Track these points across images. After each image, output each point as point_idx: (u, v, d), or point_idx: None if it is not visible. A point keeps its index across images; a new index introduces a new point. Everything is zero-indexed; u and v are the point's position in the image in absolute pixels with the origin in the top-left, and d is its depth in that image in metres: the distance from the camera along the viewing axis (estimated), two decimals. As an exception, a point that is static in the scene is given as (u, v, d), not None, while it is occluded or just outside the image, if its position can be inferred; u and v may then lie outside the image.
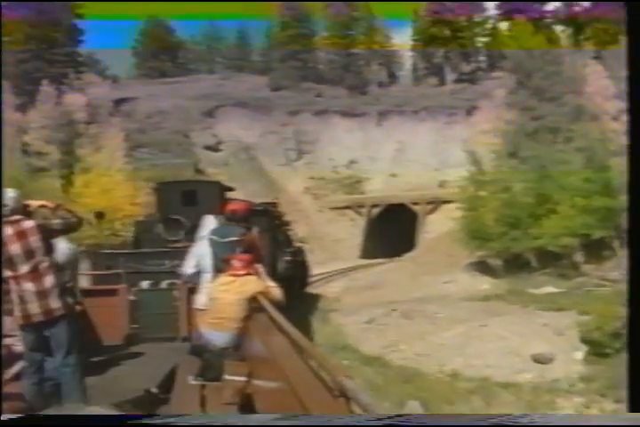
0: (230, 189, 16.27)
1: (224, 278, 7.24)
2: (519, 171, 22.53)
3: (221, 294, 7.06)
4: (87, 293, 9.20)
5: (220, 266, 7.69)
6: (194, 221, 11.15)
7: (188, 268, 8.36)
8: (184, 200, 14.05)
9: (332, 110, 48.80)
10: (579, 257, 20.09)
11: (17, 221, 5.38)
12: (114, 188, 26.29)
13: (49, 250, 5.57)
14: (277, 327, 5.54)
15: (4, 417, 4.84)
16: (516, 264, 21.50)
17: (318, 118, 48.12)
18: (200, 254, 8.28)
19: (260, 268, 7.88)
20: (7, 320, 5.80)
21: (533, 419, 3.45)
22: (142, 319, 10.29)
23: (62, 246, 7.29)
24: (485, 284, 20.65)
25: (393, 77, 61.24)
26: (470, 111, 44.75)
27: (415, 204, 40.47)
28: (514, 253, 21.71)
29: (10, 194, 5.50)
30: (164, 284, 11.25)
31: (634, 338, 5.33)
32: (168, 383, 6.94)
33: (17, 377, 5.94)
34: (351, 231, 40.07)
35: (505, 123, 26.33)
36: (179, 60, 63.26)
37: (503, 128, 26.16)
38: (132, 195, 26.91)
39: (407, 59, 62.01)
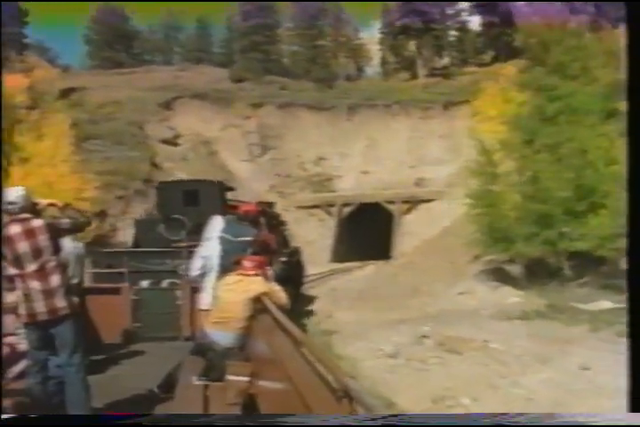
0: (231, 189, 16.75)
1: (231, 278, 7.36)
2: (541, 160, 19.37)
3: (227, 294, 7.18)
4: (89, 291, 9.38)
5: (228, 264, 7.83)
6: (195, 221, 11.94)
7: (195, 270, 8.57)
8: (185, 200, 14.11)
9: (298, 104, 45.66)
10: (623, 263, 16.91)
11: (26, 220, 5.48)
12: (57, 180, 22.98)
13: (56, 249, 5.64)
14: (281, 328, 5.46)
15: (7, 417, 4.94)
16: (541, 271, 18.25)
17: (283, 112, 44.98)
18: (207, 256, 8.44)
19: (268, 270, 8.01)
20: (10, 319, 6.00)
21: (529, 418, 3.61)
22: (144, 318, 10.40)
23: (68, 244, 7.53)
24: (512, 296, 17.28)
25: (361, 71, 58.73)
26: (447, 106, 42.22)
27: (390, 203, 37.49)
28: (537, 257, 18.45)
29: (19, 192, 5.54)
30: (165, 283, 11.43)
31: (634, 338, 5.22)
32: (169, 383, 6.93)
33: (20, 375, 6.03)
34: (321, 232, 36.91)
35: (517, 106, 23.21)
36: (134, 50, 59.59)
37: (514, 112, 22.75)
38: (79, 188, 23.74)
39: (376, 52, 59.36)
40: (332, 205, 37.91)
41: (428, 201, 36.71)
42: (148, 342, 9.75)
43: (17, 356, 6.17)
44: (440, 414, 7.08)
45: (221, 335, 7.05)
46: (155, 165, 34.47)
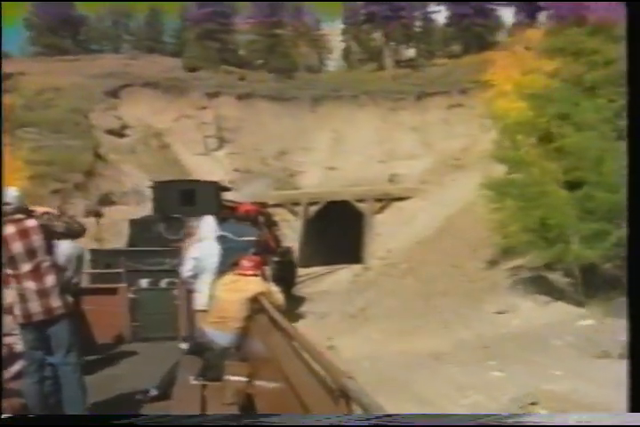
0: (227, 189, 17.21)
1: (229, 277, 7.51)
2: (588, 138, 15.75)
3: (224, 293, 7.32)
4: (87, 291, 9.60)
5: (228, 264, 7.90)
6: (192, 221, 11.36)
7: (186, 271, 8.64)
8: (182, 199, 14.28)
9: (258, 94, 42.18)
10: None
11: (20, 220, 5.57)
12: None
13: (50, 249, 5.72)
14: (278, 328, 5.46)
15: (4, 417, 5.08)
16: (593, 281, 14.58)
17: (242, 103, 41.49)
18: (198, 257, 8.48)
19: (266, 271, 8.41)
20: (7, 319, 5.88)
21: (529, 420, 3.73)
22: (142, 318, 10.56)
23: (66, 245, 7.80)
24: (578, 317, 13.14)
25: (324, 62, 55.47)
26: (420, 97, 39.18)
27: (360, 201, 34.14)
28: (589, 263, 14.80)
29: (13, 193, 5.65)
30: (163, 283, 11.40)
31: (634, 338, 5.17)
32: (167, 383, 6.91)
33: (17, 376, 5.99)
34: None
35: (544, 76, 19.63)
36: (80, 37, 55.33)
37: (541, 84, 18.96)
38: (7, 177, 20.01)
39: (338, 43, 56.11)
40: (296, 204, 34.32)
41: (403, 199, 33.54)
42: (145, 342, 9.83)
43: (14, 356, 6.09)
44: (434, 414, 6.55)
45: (219, 335, 7.09)
46: (99, 157, 30.68)
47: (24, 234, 5.48)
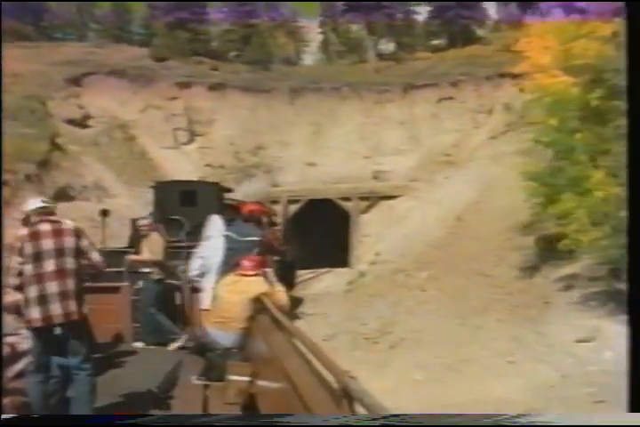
0: (229, 190, 17.15)
1: (230, 278, 7.58)
2: None
3: (227, 294, 7.33)
4: (89, 290, 8.04)
5: (232, 263, 7.91)
6: (192, 222, 12.65)
7: (193, 269, 8.79)
8: (182, 200, 14.29)
9: (232, 85, 39.25)
10: None
11: (57, 222, 5.79)
12: None
13: (78, 254, 5.78)
14: (280, 327, 5.52)
15: (4, 417, 4.97)
16: None
17: (214, 93, 38.52)
18: (205, 256, 8.63)
19: (269, 271, 8.22)
20: (9, 318, 6.12)
21: (531, 420, 3.29)
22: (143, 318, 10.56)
23: None
24: None
25: (301, 55, 52.75)
26: (407, 89, 36.62)
27: (345, 200, 31.40)
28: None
29: (45, 200, 6.06)
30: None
31: (634, 338, 5.22)
32: (168, 383, 6.96)
33: (20, 375, 5.98)
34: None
35: (596, 44, 16.60)
36: (43, 24, 51.97)
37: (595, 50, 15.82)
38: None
39: (317, 36, 53.51)
40: (275, 202, 31.44)
41: (391, 197, 30.88)
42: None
43: (17, 355, 6.05)
44: (441, 415, 5.66)
45: (222, 335, 7.13)
46: (56, 147, 27.56)
47: (58, 233, 5.61)
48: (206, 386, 6.60)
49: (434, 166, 31.75)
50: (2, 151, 20.13)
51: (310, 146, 35.83)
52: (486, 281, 16.98)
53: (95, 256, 5.87)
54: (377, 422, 3.14)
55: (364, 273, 24.60)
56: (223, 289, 7.39)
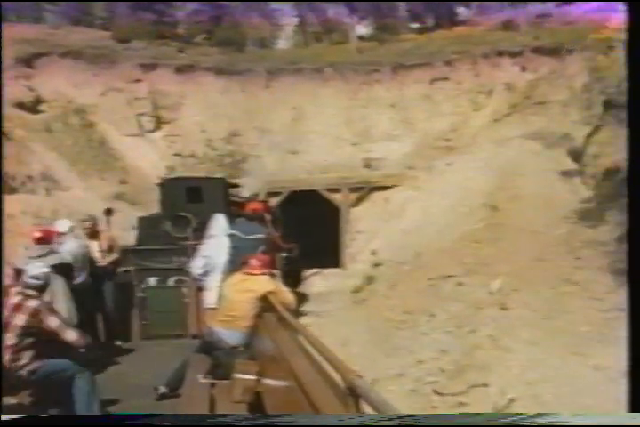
0: (236, 186, 18.13)
1: (237, 276, 7.84)
2: None
3: (233, 293, 7.51)
4: None
5: (237, 262, 8.25)
6: (199, 219, 12.88)
7: (196, 268, 9.30)
8: (189, 197, 14.08)
9: (202, 66, 35.43)
10: None
11: (28, 296, 6.22)
12: None
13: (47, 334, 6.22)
14: (287, 326, 5.78)
15: (4, 417, 4.98)
16: None
17: (183, 76, 34.67)
18: (208, 254, 9.08)
19: (275, 271, 8.62)
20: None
21: (549, 420, 3.22)
22: (150, 316, 11.52)
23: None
24: None
25: (276, 38, 49.05)
26: (397, 69, 33.12)
27: (333, 191, 27.77)
28: None
29: (43, 268, 6.65)
30: (171, 281, 12.28)
31: (634, 338, 5.01)
32: (176, 381, 7.23)
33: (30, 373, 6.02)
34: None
35: None
36: (-6, 5, 47.81)
37: None
38: None
39: (292, 18, 49.79)
40: (253, 195, 27.72)
41: (385, 188, 27.32)
42: (155, 339, 10.62)
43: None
44: (456, 415, 6.17)
45: (228, 334, 7.24)
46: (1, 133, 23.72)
47: (18, 308, 6.15)
48: (213, 384, 6.54)
49: (432, 152, 28.31)
50: (2, 152, 19.43)
51: (291, 132, 32.20)
52: (577, 292, 13.06)
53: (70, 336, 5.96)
54: (393, 423, 3.08)
55: (372, 277, 20.81)
56: (230, 288, 7.45)
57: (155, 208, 25.82)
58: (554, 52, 30.58)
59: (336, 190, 27.51)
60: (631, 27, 5.75)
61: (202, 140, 32.23)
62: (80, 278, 8.99)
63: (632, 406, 5.07)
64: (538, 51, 31.18)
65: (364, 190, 27.46)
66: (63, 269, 8.52)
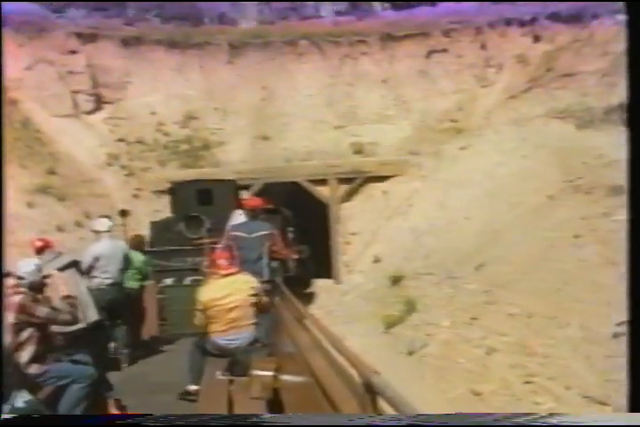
0: (246, 188, 18.78)
1: (215, 282, 7.14)
2: None
3: (221, 299, 6.94)
4: None
5: (249, 263, 7.83)
6: (211, 220, 13.24)
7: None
8: (199, 199, 14.35)
9: (151, 39, 29.76)
10: None
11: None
12: None
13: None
14: (305, 324, 5.69)
15: (5, 417, 4.88)
16: None
17: (128, 50, 28.97)
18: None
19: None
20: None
21: (562, 420, 3.12)
22: (168, 316, 11.47)
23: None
24: None
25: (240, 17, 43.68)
26: (385, 39, 27.84)
27: (318, 183, 22.29)
28: None
29: (31, 266, 6.06)
30: (187, 280, 12.29)
31: (634, 338, 4.89)
32: (198, 378, 6.85)
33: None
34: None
35: None
36: None
37: None
38: None
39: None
40: (216, 187, 22.32)
41: (383, 179, 21.93)
42: (173, 338, 10.45)
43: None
44: (469, 414, 5.62)
45: (236, 338, 6.91)
46: None
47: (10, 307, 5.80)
48: (230, 381, 6.36)
49: (436, 135, 23.13)
50: (2, 150, 13.95)
51: (260, 114, 26.70)
52: None
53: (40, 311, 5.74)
54: (402, 422, 3.01)
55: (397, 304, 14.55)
56: (213, 296, 6.93)
57: (90, 204, 20.29)
58: (573, 18, 25.76)
59: (322, 182, 21.96)
60: (631, 27, 5.13)
61: (151, 123, 26.56)
62: (110, 280, 8.90)
63: (632, 406, 4.49)
64: (553, 18, 26.30)
65: (356, 181, 22.02)
66: (72, 266, 7.85)
